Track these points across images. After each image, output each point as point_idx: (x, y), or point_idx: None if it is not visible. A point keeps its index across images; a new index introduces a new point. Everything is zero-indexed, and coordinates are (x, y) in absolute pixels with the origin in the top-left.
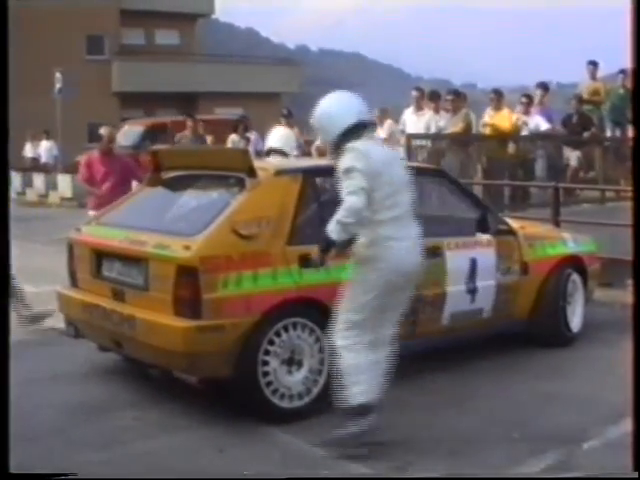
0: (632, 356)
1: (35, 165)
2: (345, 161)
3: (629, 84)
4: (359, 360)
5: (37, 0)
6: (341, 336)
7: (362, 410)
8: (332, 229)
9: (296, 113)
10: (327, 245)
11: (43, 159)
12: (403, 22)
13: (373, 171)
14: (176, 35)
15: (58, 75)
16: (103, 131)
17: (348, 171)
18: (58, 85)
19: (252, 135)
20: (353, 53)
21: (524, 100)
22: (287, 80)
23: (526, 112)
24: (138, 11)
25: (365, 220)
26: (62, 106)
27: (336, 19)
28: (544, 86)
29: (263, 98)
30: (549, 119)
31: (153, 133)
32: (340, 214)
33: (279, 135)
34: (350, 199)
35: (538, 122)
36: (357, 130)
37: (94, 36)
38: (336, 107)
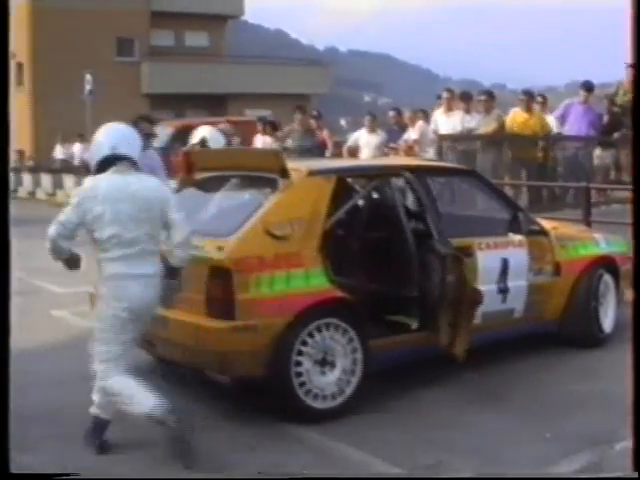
0: (632, 356)
1: (65, 166)
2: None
3: None
4: (123, 384)
5: (67, 2)
6: (99, 367)
7: (156, 419)
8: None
9: (325, 114)
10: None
11: (77, 161)
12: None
13: (91, 210)
14: (205, 36)
15: (88, 77)
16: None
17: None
18: (88, 87)
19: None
20: (382, 54)
21: (540, 100)
22: (316, 81)
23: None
24: (168, 13)
25: (64, 251)
26: (92, 108)
27: (364, 18)
28: (588, 86)
29: (293, 99)
30: (593, 120)
31: (183, 135)
32: None
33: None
34: (49, 228)
35: (553, 123)
36: (107, 163)
37: (124, 38)
38: (100, 138)
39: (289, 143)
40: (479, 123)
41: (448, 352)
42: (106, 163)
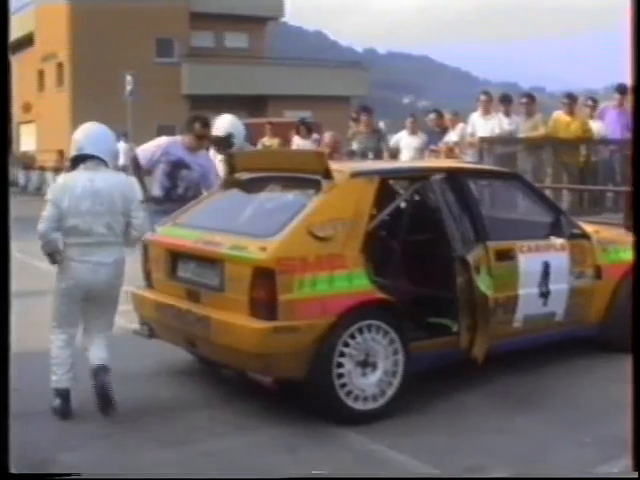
0: (632, 356)
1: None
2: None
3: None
4: (57, 353)
5: (107, 3)
6: (51, 332)
7: (57, 393)
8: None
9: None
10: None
11: (121, 161)
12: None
13: (61, 204)
14: (245, 38)
15: (129, 78)
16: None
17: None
18: (129, 87)
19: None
20: (421, 56)
21: (590, 103)
22: (356, 83)
23: (591, 116)
24: (208, 14)
25: (56, 242)
26: (132, 109)
27: (403, 20)
28: (622, 89)
29: (332, 101)
30: (628, 123)
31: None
32: None
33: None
34: (38, 226)
35: (599, 128)
36: (77, 162)
37: (164, 39)
38: (74, 137)
39: (354, 146)
40: (519, 126)
41: (468, 354)
42: (77, 161)
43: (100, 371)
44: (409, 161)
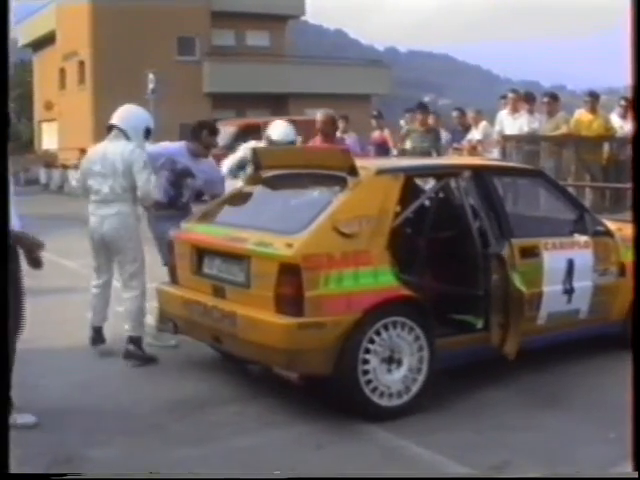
0: (632, 356)
1: None
2: None
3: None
4: (91, 297)
5: (128, 2)
6: None
7: (92, 329)
8: None
9: (386, 115)
10: None
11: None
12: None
13: (82, 166)
14: (266, 36)
15: (151, 76)
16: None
17: None
18: (151, 86)
19: (349, 137)
20: (442, 54)
21: (623, 103)
22: (377, 82)
23: (624, 115)
24: (229, 12)
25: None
26: (154, 107)
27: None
28: None
29: (353, 99)
30: None
31: (245, 133)
32: None
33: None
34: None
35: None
36: (108, 131)
37: (185, 37)
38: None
39: (407, 145)
40: (542, 124)
41: (499, 351)
42: (108, 131)
43: (126, 342)
44: (434, 158)
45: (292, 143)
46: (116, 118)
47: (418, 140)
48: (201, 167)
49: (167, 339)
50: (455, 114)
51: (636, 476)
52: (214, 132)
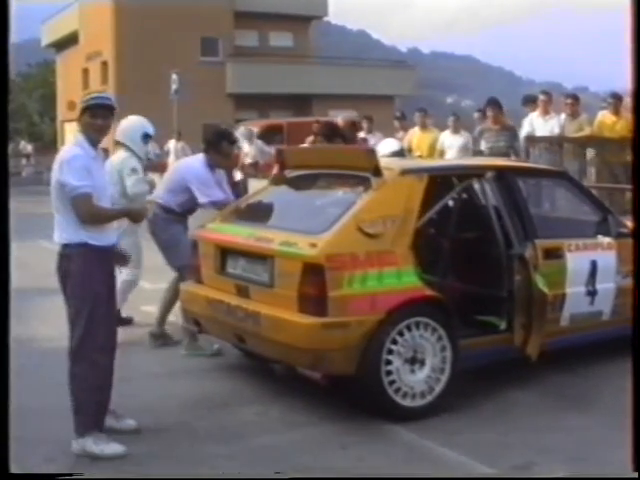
0: (632, 357)
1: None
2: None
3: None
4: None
5: (152, 3)
6: None
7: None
8: None
9: (409, 116)
10: None
11: (172, 159)
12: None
13: None
14: (290, 37)
15: (174, 77)
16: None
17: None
18: (174, 86)
19: (374, 137)
20: (465, 55)
21: (610, 101)
22: (400, 82)
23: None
24: (252, 13)
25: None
26: (177, 107)
27: (447, 19)
28: None
29: (376, 100)
30: None
31: (269, 134)
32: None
33: None
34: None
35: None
36: None
37: (208, 38)
38: None
39: (482, 146)
40: (564, 126)
41: (522, 352)
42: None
43: None
44: (458, 159)
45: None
46: (117, 133)
47: (493, 139)
48: (215, 178)
49: (202, 346)
50: (477, 115)
51: (636, 476)
52: (233, 141)
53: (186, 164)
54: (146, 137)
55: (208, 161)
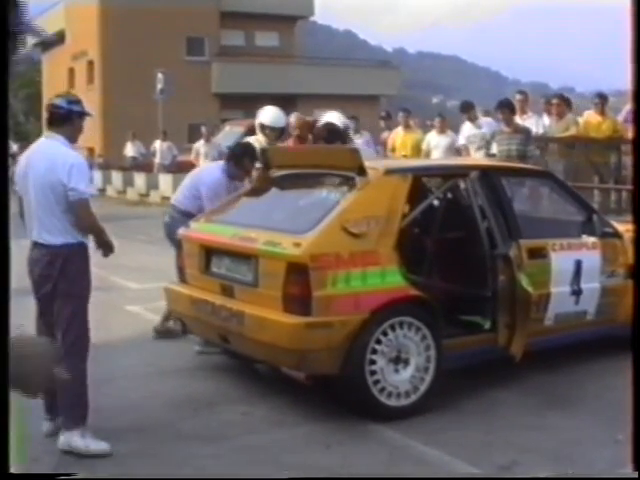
0: (632, 357)
1: (136, 164)
2: None
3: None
4: None
5: (138, 3)
6: None
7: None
8: None
9: (395, 116)
10: None
11: (158, 159)
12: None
13: None
14: (276, 37)
15: (160, 76)
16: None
17: None
18: (160, 86)
19: (361, 137)
20: (451, 56)
21: (597, 101)
22: (386, 83)
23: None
24: (238, 13)
25: None
26: (163, 107)
27: (433, 20)
28: None
29: (362, 100)
30: None
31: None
32: None
33: None
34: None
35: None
36: None
37: (194, 37)
38: None
39: (494, 149)
40: (551, 126)
41: (506, 352)
42: None
43: None
44: (442, 159)
45: (283, 129)
46: None
47: (504, 143)
48: (233, 186)
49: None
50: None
51: (636, 476)
52: (255, 158)
53: (204, 170)
54: None
55: (229, 170)
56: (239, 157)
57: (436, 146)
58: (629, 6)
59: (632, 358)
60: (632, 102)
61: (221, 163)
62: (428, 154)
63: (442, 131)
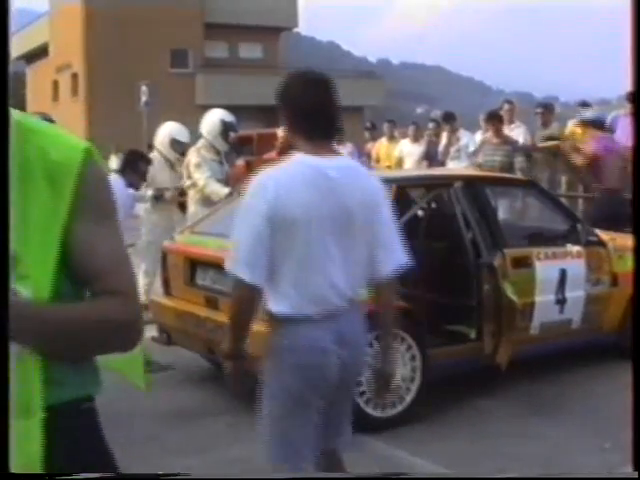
0: (632, 357)
1: None
2: None
3: None
4: None
5: (122, 14)
6: None
7: None
8: None
9: (379, 126)
10: None
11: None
12: (485, 34)
13: None
14: (259, 48)
15: (144, 88)
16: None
17: None
18: (144, 98)
19: (344, 147)
20: (435, 66)
21: (539, 111)
22: (369, 93)
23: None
24: (222, 24)
25: None
26: (147, 119)
27: (416, 31)
28: (632, 98)
29: (346, 111)
30: None
31: (239, 146)
32: None
33: None
34: None
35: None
36: None
37: (178, 49)
38: None
39: (479, 159)
40: (535, 135)
41: (492, 361)
42: None
43: None
44: (426, 169)
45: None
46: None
47: (489, 153)
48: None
49: None
50: (431, 125)
51: (636, 476)
52: (149, 161)
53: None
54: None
55: (125, 181)
56: (134, 162)
57: (409, 154)
58: (629, 6)
59: (632, 358)
60: (632, 102)
61: (116, 176)
62: (400, 162)
63: (416, 140)
